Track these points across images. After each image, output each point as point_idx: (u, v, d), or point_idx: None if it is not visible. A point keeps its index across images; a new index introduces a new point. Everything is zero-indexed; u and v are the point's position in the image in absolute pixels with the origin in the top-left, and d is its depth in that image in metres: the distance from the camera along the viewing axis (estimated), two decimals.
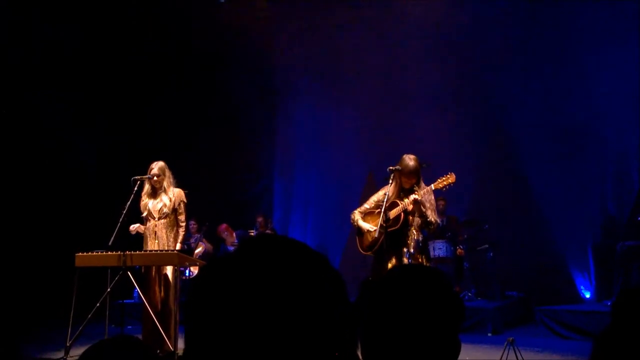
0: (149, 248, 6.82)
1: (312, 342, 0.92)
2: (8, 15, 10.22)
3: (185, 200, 6.99)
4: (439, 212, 7.73)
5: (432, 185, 5.95)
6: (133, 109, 11.72)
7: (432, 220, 5.95)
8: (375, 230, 5.93)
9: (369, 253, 6.15)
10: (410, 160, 5.94)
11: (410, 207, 5.84)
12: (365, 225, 6.13)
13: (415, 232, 6.03)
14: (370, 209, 6.23)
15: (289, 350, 0.91)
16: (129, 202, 6.61)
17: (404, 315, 1.49)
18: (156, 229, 6.89)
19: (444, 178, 5.93)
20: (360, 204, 6.41)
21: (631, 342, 1.32)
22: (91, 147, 11.10)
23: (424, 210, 5.87)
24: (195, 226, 10.94)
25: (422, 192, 5.88)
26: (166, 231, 6.89)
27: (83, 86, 11.07)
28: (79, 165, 10.96)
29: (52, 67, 10.63)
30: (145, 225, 6.95)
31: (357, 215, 6.24)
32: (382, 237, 5.91)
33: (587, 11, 10.17)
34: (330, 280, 0.97)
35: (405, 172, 5.92)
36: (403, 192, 6.03)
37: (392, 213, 5.93)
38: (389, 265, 5.91)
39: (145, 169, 7.00)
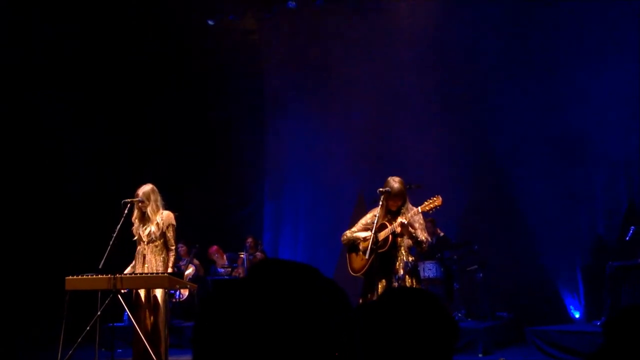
0: (138, 272, 6.79)
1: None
2: (8, 15, 10.22)
3: (174, 223, 6.95)
4: (429, 233, 7.75)
5: (419, 207, 5.97)
6: (133, 109, 11.71)
7: (423, 239, 5.97)
8: (368, 241, 5.96)
9: (359, 275, 6.16)
10: (395, 182, 5.99)
11: (399, 229, 5.88)
12: (361, 234, 6.16)
13: (404, 254, 6.05)
14: (358, 231, 6.27)
15: None
16: (119, 225, 6.59)
17: (397, 339, 1.50)
18: (145, 252, 6.86)
19: (430, 201, 5.97)
20: (350, 224, 6.45)
21: None
22: (91, 147, 11.07)
23: (412, 231, 5.90)
24: (184, 249, 10.91)
25: (409, 215, 5.91)
26: (155, 255, 6.85)
27: (83, 86, 11.06)
28: (78, 167, 10.92)
29: (52, 67, 10.63)
30: (136, 249, 6.95)
31: (348, 233, 6.28)
32: (372, 259, 5.93)
33: (584, 17, 10.19)
34: (339, 302, 1.00)
35: (391, 195, 5.96)
36: (390, 214, 6.07)
37: (381, 235, 5.97)
38: (379, 287, 5.93)
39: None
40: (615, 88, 9.91)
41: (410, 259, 6.09)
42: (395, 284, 5.92)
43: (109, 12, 11.22)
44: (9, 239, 9.96)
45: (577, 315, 10.07)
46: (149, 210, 6.85)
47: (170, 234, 6.89)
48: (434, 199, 5.95)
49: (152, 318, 6.73)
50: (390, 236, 5.96)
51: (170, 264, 6.89)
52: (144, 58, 11.73)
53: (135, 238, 6.92)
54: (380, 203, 6.02)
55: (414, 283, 6.07)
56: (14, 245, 10.02)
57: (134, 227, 6.93)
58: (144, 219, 6.89)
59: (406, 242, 6.03)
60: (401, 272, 5.98)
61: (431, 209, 5.96)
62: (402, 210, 5.99)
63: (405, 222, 5.81)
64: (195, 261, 11.27)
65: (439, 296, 1.69)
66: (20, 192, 10.37)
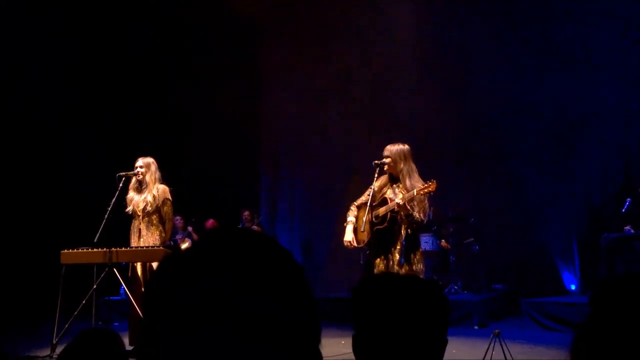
0: (133, 246, 6.81)
1: (270, 336, 0.88)
2: (8, 15, 10.14)
3: (169, 197, 6.94)
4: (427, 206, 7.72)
5: (414, 191, 5.85)
6: (133, 110, 11.65)
7: (418, 219, 5.86)
8: (352, 240, 6.01)
9: (361, 246, 6.15)
10: (391, 146, 5.95)
11: (397, 208, 5.81)
12: (347, 230, 6.12)
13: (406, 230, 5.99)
14: (366, 200, 6.17)
15: (247, 344, 0.87)
16: (114, 199, 6.60)
17: (392, 322, 1.58)
18: (140, 226, 6.88)
19: (425, 185, 5.81)
20: (346, 196, 6.41)
21: (609, 333, 1.33)
22: (88, 148, 11.03)
23: (409, 209, 5.81)
24: (182, 222, 10.92)
25: (406, 195, 5.81)
26: (150, 230, 6.87)
27: (83, 86, 10.99)
28: (72, 162, 10.88)
29: (51, 67, 10.55)
30: (131, 222, 6.96)
31: (350, 214, 6.21)
32: (370, 234, 5.92)
33: None
34: (293, 273, 0.95)
35: (387, 163, 5.93)
36: (392, 180, 6.01)
37: (381, 211, 5.91)
38: (377, 261, 5.90)
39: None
40: (611, 56, 9.87)
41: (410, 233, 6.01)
42: (397, 257, 5.86)
43: (110, 10, 11.14)
44: (6, 218, 9.99)
45: (572, 287, 10.12)
46: (147, 177, 6.84)
47: (166, 209, 6.90)
48: (429, 183, 5.81)
49: None
50: (389, 213, 5.90)
51: (166, 237, 6.92)
52: (143, 57, 11.62)
53: (130, 211, 6.91)
54: (375, 176, 5.98)
55: (416, 256, 5.98)
56: (11, 221, 10.04)
57: (128, 198, 6.91)
58: (141, 189, 6.88)
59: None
60: (399, 246, 5.92)
61: (425, 194, 5.85)
62: (402, 175, 5.90)
63: (401, 203, 5.74)
64: (194, 235, 11.31)
65: (432, 282, 1.78)
66: (9, 185, 10.37)
